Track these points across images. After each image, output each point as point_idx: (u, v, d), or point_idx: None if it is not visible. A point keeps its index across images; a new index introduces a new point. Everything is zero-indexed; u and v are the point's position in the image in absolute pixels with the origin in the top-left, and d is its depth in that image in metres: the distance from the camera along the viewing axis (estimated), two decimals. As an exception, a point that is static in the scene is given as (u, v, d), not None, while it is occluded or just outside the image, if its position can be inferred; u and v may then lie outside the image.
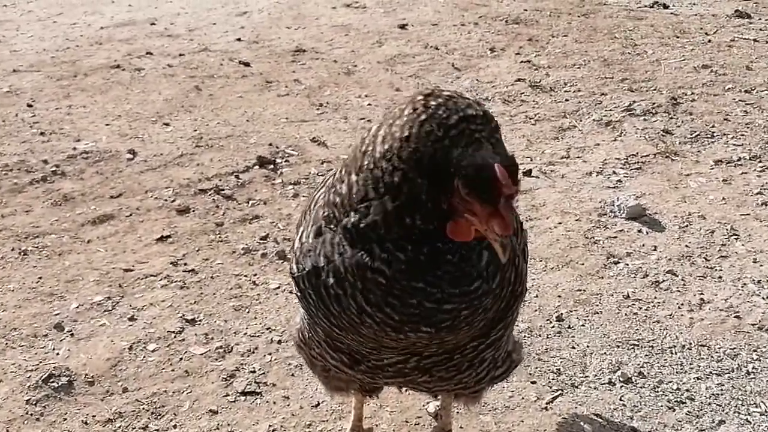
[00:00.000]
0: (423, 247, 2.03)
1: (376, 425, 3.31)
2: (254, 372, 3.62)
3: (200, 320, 3.99)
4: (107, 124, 6.40)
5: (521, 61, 7.59)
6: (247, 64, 7.74)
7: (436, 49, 7.97)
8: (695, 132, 6.07)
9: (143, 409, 3.43)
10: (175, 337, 3.87)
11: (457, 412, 3.30)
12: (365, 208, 2.04)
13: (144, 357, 3.74)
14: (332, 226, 2.13)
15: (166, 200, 5.19)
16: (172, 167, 5.65)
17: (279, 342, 3.81)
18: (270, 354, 3.74)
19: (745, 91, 6.80)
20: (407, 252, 2.02)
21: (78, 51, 8.18)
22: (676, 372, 3.57)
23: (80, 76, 7.49)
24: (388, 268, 2.02)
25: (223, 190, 5.31)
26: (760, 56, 7.68)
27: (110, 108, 6.74)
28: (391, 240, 2.03)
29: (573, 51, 7.86)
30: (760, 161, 5.61)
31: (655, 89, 6.89)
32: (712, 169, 5.54)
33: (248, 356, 3.73)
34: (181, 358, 3.73)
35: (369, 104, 6.75)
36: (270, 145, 5.95)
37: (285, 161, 5.72)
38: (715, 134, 6.04)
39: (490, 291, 2.11)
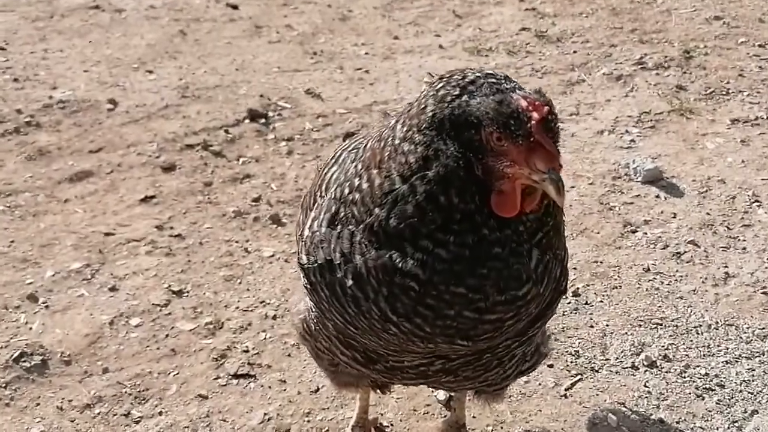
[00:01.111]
0: (467, 236, 1.73)
1: (382, 414, 3.04)
2: (247, 351, 3.33)
3: (188, 292, 3.68)
4: (86, 71, 5.97)
5: (525, 9, 7.18)
6: (235, 7, 7.28)
7: (436, -6, 7.53)
8: (710, 88, 5.74)
9: (125, 392, 3.14)
10: (160, 310, 3.56)
11: (469, 399, 3.03)
12: (393, 200, 1.74)
13: (126, 333, 3.44)
14: (351, 227, 1.82)
15: (149, 156, 4.83)
16: (156, 119, 5.27)
17: (274, 318, 3.52)
18: (264, 331, 3.44)
19: (759, 46, 6.45)
20: (448, 246, 1.72)
21: (54, -11, 7.67)
22: (704, 355, 3.31)
23: (57, 17, 7.01)
24: (422, 270, 1.72)
25: (211, 145, 4.94)
26: (773, 8, 7.31)
27: (89, 53, 6.30)
28: (428, 234, 1.72)
29: (580, -2, 7.44)
30: (779, 121, 5.31)
31: (666, 41, 6.52)
32: (729, 128, 5.23)
33: (240, 333, 3.43)
34: (167, 335, 3.43)
35: (366, 53, 6.35)
36: (261, 96, 5.56)
37: (278, 115, 5.34)
38: (730, 91, 5.72)
39: (539, 295, 1.82)
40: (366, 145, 1.93)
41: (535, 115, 1.63)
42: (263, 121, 5.25)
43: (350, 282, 1.82)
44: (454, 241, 1.72)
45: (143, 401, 3.09)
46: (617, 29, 6.77)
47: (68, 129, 5.11)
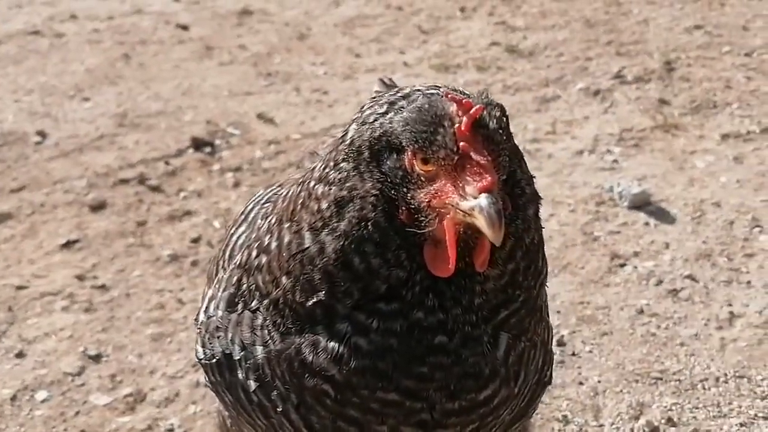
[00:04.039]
0: (394, 321, 1.23)
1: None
2: (172, 431, 2.79)
3: (107, 356, 3.14)
4: (16, 101, 5.44)
5: (495, 23, 6.74)
6: (185, 28, 6.79)
7: (400, 10, 7.07)
8: (695, 102, 5.31)
9: (22, 488, 2.60)
10: (72, 380, 3.02)
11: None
12: (300, 264, 1.24)
13: (30, 410, 2.89)
14: (254, 304, 1.33)
15: (77, 194, 4.29)
16: (89, 152, 4.74)
17: (207, 385, 2.97)
18: (194, 403, 2.91)
19: (745, 55, 6.04)
20: (370, 334, 1.22)
21: (-8, 15, 7.14)
22: (713, 416, 2.82)
23: (-9, 44, 6.49)
24: (337, 367, 1.22)
25: (148, 179, 4.42)
26: (756, 15, 6.91)
27: (22, 81, 5.77)
28: (345, 315, 1.23)
29: (551, 10, 7.01)
30: (773, 135, 4.88)
31: (645, 53, 6.10)
32: (720, 145, 4.79)
33: (165, 407, 2.89)
34: (78, 412, 2.88)
35: (324, 73, 5.87)
36: (208, 123, 5.06)
37: (225, 142, 4.84)
38: (717, 104, 5.29)
39: (512, 396, 1.31)
40: (285, 193, 1.44)
41: (464, 119, 1.15)
42: (209, 149, 4.74)
43: (253, 384, 1.32)
44: (377, 327, 1.22)
45: (40, 501, 2.55)
46: (592, 42, 6.35)
47: (-11, 166, 4.57)
